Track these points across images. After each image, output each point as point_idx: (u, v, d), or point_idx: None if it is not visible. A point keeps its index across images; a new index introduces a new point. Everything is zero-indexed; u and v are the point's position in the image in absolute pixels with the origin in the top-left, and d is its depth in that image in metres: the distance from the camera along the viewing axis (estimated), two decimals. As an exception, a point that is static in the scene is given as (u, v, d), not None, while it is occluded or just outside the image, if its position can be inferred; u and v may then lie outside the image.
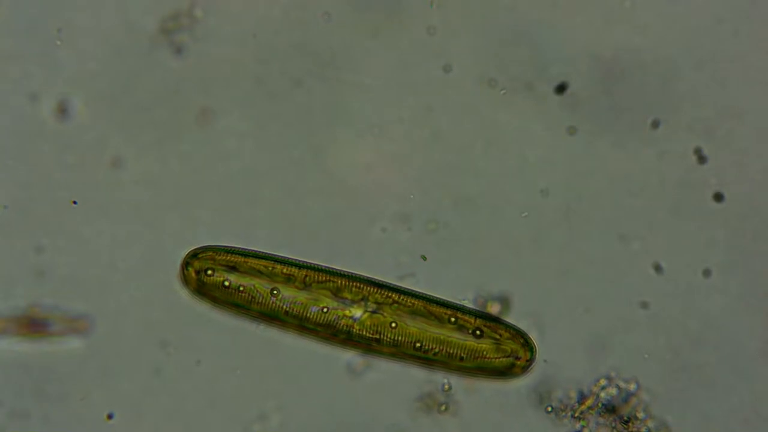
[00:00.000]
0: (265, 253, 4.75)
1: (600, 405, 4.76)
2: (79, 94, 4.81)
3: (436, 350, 4.70)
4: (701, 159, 4.86)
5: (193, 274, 4.69)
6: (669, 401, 4.77)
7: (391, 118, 4.86)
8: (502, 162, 4.86)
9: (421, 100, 4.87)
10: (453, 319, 4.72)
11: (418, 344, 4.68)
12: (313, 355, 4.77)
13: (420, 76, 4.87)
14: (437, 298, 4.75)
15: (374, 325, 4.70)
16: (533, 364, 4.74)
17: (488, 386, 4.77)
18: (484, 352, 4.72)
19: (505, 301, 4.77)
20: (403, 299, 4.72)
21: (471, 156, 4.85)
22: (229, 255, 4.72)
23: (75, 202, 4.67)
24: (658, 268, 4.82)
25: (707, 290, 4.82)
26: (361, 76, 4.86)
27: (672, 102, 4.86)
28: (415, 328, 4.70)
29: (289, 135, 4.85)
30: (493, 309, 4.77)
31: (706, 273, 4.82)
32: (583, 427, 4.76)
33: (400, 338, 4.70)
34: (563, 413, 4.76)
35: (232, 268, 4.70)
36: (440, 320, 4.72)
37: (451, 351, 4.71)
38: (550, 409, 4.77)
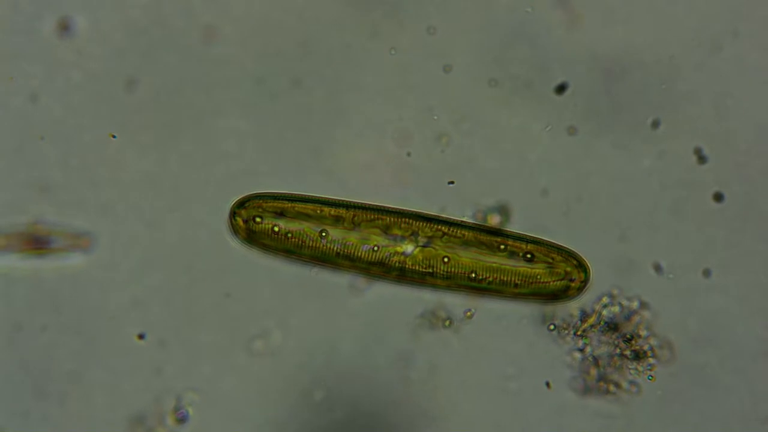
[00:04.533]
0: (312, 195, 4.75)
1: (602, 323, 4.75)
2: (78, 92, 4.82)
3: (491, 279, 4.70)
4: (701, 159, 4.85)
5: (242, 223, 4.70)
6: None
7: (391, 118, 4.86)
8: (502, 162, 4.86)
9: (421, 100, 4.87)
10: (503, 246, 4.71)
11: (473, 274, 4.68)
12: (315, 273, 4.78)
13: (420, 76, 4.87)
14: (486, 226, 4.74)
15: (426, 258, 4.69)
16: (588, 284, 4.73)
17: (492, 305, 4.77)
18: (538, 277, 4.71)
19: (504, 211, 4.75)
20: (453, 231, 4.71)
21: (471, 156, 4.85)
22: (276, 201, 4.71)
23: (114, 136, 4.68)
24: (658, 268, 4.82)
25: (707, 290, 4.82)
26: (361, 76, 4.86)
27: (672, 102, 4.86)
28: (467, 258, 4.69)
29: (289, 135, 4.85)
30: (494, 221, 4.75)
31: (706, 273, 4.81)
32: (585, 344, 4.75)
33: (453, 270, 4.70)
34: (565, 331, 4.75)
35: (280, 214, 4.70)
36: (491, 248, 4.71)
37: (505, 278, 4.70)
38: (552, 327, 4.76)
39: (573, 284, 4.72)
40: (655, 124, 4.85)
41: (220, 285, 4.80)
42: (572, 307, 4.76)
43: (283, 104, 4.85)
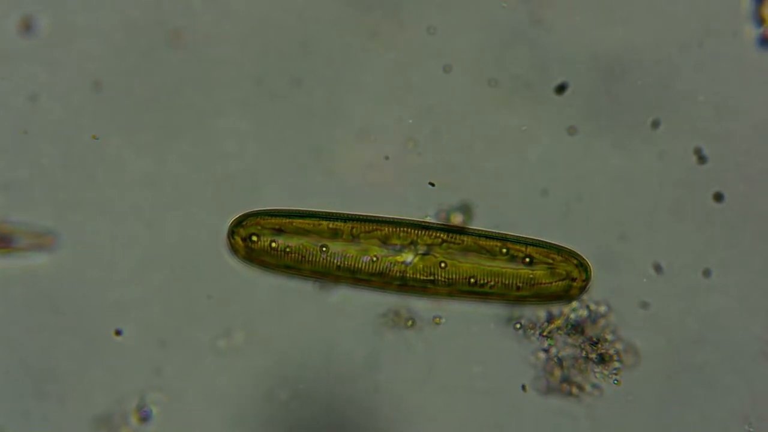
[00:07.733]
0: (309, 210, 4.75)
1: (569, 325, 4.75)
2: (78, 92, 4.82)
3: (492, 283, 4.70)
4: (701, 159, 4.86)
5: (240, 242, 4.69)
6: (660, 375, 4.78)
7: (391, 118, 4.86)
8: (502, 162, 4.86)
9: (421, 100, 4.87)
10: (504, 250, 4.71)
11: (472, 279, 4.67)
12: (317, 287, 4.79)
13: (420, 76, 4.87)
14: (486, 231, 4.74)
15: (427, 267, 4.69)
16: (590, 283, 4.73)
17: (458, 306, 4.77)
18: (540, 279, 4.71)
19: (466, 210, 4.75)
20: (452, 237, 4.71)
21: (471, 156, 4.85)
22: (274, 218, 4.71)
23: (97, 138, 4.67)
24: (658, 268, 4.82)
25: (707, 290, 4.82)
26: (361, 76, 4.86)
27: (672, 102, 4.87)
28: (468, 264, 4.69)
29: (289, 135, 4.85)
30: (456, 219, 4.75)
31: (706, 273, 4.82)
32: (550, 345, 4.75)
33: (454, 276, 4.69)
34: (531, 331, 4.75)
35: (279, 231, 4.69)
36: (492, 253, 4.71)
37: (507, 282, 4.70)
38: (518, 326, 4.76)
39: (575, 284, 4.72)
40: (655, 124, 4.85)
41: (214, 286, 4.80)
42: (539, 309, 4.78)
43: (283, 104, 4.85)
